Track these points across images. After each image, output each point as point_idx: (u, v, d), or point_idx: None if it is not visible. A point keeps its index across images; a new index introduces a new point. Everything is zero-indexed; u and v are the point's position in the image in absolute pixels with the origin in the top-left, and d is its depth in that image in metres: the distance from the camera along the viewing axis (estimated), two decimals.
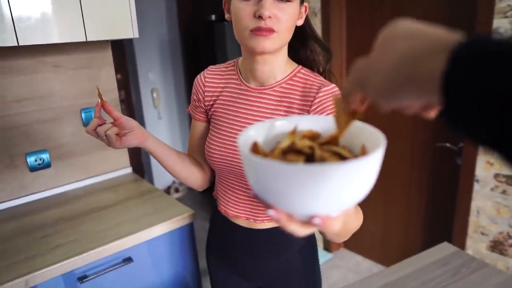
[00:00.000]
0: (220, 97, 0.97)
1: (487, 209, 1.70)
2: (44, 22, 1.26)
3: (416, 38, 0.34)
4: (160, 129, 3.77)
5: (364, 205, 2.32)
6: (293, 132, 0.48)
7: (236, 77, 0.96)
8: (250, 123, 0.88)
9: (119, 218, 1.36)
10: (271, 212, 0.42)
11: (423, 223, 2.13)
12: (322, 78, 0.90)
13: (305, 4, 0.88)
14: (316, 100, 0.84)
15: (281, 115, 0.88)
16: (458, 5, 1.74)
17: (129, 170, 1.84)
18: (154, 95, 3.59)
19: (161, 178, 3.80)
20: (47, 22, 1.27)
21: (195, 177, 1.07)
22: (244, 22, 0.79)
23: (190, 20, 3.53)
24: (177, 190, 3.71)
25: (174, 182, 3.85)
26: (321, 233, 0.64)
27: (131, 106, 3.52)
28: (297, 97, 0.87)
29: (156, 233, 1.31)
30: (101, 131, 0.86)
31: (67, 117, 1.64)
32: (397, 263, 1.20)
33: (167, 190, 3.74)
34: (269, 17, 0.76)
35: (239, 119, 0.93)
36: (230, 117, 0.94)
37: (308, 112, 0.84)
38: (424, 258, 1.23)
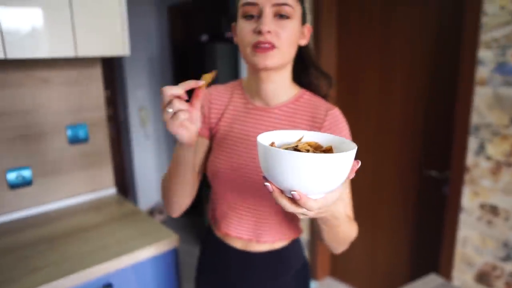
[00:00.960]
0: (225, 115, 0.97)
1: (473, 239, 1.70)
2: (34, 36, 1.24)
3: None
4: (147, 149, 3.72)
5: None
6: (300, 139, 0.67)
7: (242, 96, 0.97)
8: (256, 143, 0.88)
9: (101, 241, 1.31)
10: (268, 184, 0.58)
11: (410, 251, 2.12)
12: (325, 102, 0.95)
13: (307, 25, 0.91)
14: (326, 123, 0.90)
15: None
16: (445, 35, 1.79)
17: (113, 190, 1.79)
18: (142, 113, 3.56)
19: (145, 199, 3.73)
20: (37, 36, 1.25)
21: (187, 198, 0.96)
22: (246, 38, 0.83)
23: (181, 39, 3.55)
24: (161, 212, 3.63)
25: (158, 203, 3.78)
26: (321, 237, 0.84)
27: (118, 124, 3.48)
28: (304, 118, 0.91)
29: (139, 258, 1.26)
30: (177, 106, 0.68)
31: (53, 133, 1.60)
32: None
33: (151, 212, 3.66)
34: (269, 31, 0.80)
35: (246, 137, 0.93)
36: (237, 135, 0.94)
37: (319, 130, 0.89)
38: None
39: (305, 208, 0.58)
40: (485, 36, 1.54)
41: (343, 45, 2.24)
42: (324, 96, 0.99)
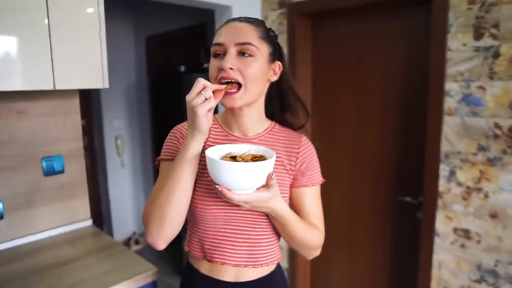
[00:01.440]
0: (205, 148, 0.96)
1: (448, 262, 1.74)
2: (11, 68, 1.24)
3: None
4: (123, 177, 3.66)
5: (329, 255, 2.33)
6: (245, 153, 0.88)
7: (220, 129, 1.02)
8: None
9: (77, 277, 1.28)
10: (217, 186, 0.79)
11: (388, 275, 2.15)
12: (292, 130, 1.06)
13: (278, 62, 0.97)
14: (301, 149, 1.01)
15: None
16: (414, 70, 1.89)
17: (89, 222, 1.75)
18: (119, 142, 3.53)
19: (121, 229, 3.64)
20: (14, 69, 1.24)
21: (181, 222, 0.90)
22: (213, 75, 0.91)
23: (158, 69, 3.58)
24: (137, 242, 3.54)
25: (134, 233, 3.69)
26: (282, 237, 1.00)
27: (94, 152, 3.42)
28: (282, 147, 1.00)
29: None
30: (209, 93, 0.79)
31: (27, 165, 1.57)
32: None
33: (127, 242, 3.57)
34: (231, 68, 0.87)
35: None
36: None
37: (296, 159, 1.00)
38: None
39: (226, 198, 0.79)
40: (451, 69, 1.64)
41: (318, 79, 2.32)
42: (301, 127, 1.07)
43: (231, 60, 0.87)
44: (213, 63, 0.91)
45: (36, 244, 1.54)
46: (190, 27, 3.09)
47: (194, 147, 0.84)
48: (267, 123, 1.03)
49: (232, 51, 0.88)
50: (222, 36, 0.90)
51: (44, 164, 1.60)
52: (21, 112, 1.55)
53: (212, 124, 1.02)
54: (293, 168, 0.99)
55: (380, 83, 2.03)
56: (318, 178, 1.03)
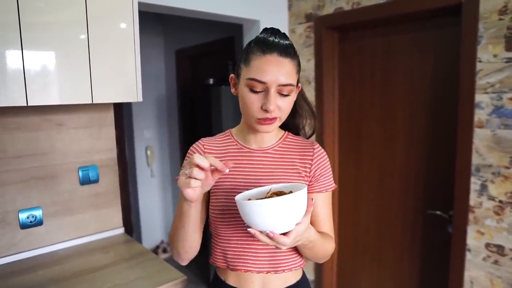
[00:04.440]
0: (222, 161, 1.01)
1: (480, 279, 1.69)
2: (54, 83, 1.31)
3: None
4: (152, 187, 3.76)
5: (356, 269, 2.31)
6: (269, 192, 0.89)
7: (235, 144, 1.07)
8: (262, 179, 1.00)
9: (110, 282, 1.32)
10: (250, 229, 0.79)
11: None
12: (305, 139, 1.11)
13: (299, 84, 1.03)
14: (315, 156, 1.04)
15: (285, 168, 1.03)
16: (442, 82, 1.87)
17: (121, 230, 1.81)
18: (148, 152, 3.63)
19: (150, 238, 3.72)
20: (57, 84, 1.32)
21: (195, 246, 1.02)
22: (253, 112, 0.93)
23: (188, 82, 3.68)
24: (165, 251, 3.61)
25: (162, 242, 3.76)
26: (304, 256, 1.03)
27: (125, 163, 3.53)
28: (295, 155, 1.04)
29: None
30: (194, 174, 0.78)
31: (65, 174, 1.65)
32: None
33: (155, 250, 3.64)
34: (273, 110, 0.91)
35: (250, 177, 1.01)
36: (241, 176, 1.01)
37: (311, 166, 1.03)
38: None
39: (279, 243, 0.78)
40: (481, 81, 1.61)
41: (345, 91, 2.32)
42: (309, 137, 1.13)
43: (275, 102, 0.91)
44: (253, 99, 0.92)
45: (72, 250, 1.61)
46: (219, 41, 3.17)
47: (187, 209, 0.87)
48: (280, 133, 1.08)
49: (274, 91, 0.91)
50: (264, 72, 0.90)
51: (80, 173, 1.68)
52: (60, 124, 1.63)
53: (226, 139, 1.08)
54: (308, 174, 1.02)
55: (408, 95, 2.02)
56: (331, 184, 1.05)
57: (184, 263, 1.05)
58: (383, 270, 2.24)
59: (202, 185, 0.82)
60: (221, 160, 1.02)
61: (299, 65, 0.97)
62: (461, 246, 1.73)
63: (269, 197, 0.84)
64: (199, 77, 3.57)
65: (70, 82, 1.34)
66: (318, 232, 1.02)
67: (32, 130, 1.56)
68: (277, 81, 0.90)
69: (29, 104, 1.26)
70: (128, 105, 3.55)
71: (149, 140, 3.68)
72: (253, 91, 0.92)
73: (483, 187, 1.64)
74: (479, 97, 1.63)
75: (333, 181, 1.06)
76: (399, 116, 2.07)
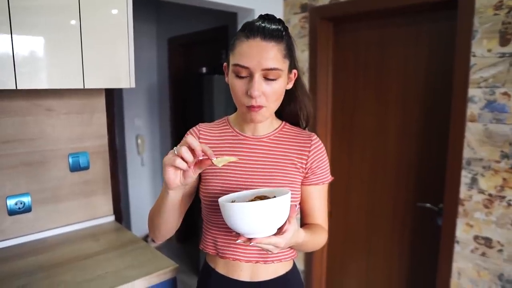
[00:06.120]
0: (217, 149, 1.03)
1: (468, 271, 1.72)
2: (45, 68, 1.29)
3: None
4: (142, 176, 3.73)
5: (346, 260, 2.33)
6: (255, 196, 0.90)
7: (230, 131, 1.06)
8: (256, 168, 0.99)
9: (100, 270, 1.31)
10: (239, 241, 0.80)
11: (406, 282, 2.13)
12: (302, 129, 1.09)
13: (294, 71, 0.99)
14: (312, 148, 1.03)
15: (280, 158, 1.01)
16: (436, 75, 1.87)
17: (111, 218, 1.80)
18: (139, 141, 3.59)
19: (139, 227, 3.70)
20: (47, 68, 1.29)
21: (173, 230, 1.02)
22: (239, 98, 0.93)
23: (180, 70, 3.64)
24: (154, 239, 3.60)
25: None
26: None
27: (115, 151, 3.50)
28: (291, 145, 1.03)
29: (138, 287, 1.26)
30: (182, 152, 0.75)
31: (54, 160, 1.62)
32: None
33: (145, 239, 3.62)
34: (258, 96, 0.90)
35: (244, 165, 1.00)
36: (233, 165, 1.00)
37: (307, 158, 1.01)
38: None
39: (272, 245, 0.78)
40: (475, 75, 1.62)
41: (339, 83, 2.32)
42: (305, 127, 1.12)
43: (259, 88, 0.89)
44: (238, 85, 0.91)
45: (61, 237, 1.59)
46: (212, 29, 3.13)
47: (170, 196, 0.86)
48: (277, 122, 1.07)
49: (258, 76, 0.89)
50: (246, 57, 0.88)
51: (70, 160, 1.66)
52: (49, 110, 1.60)
53: (223, 125, 1.07)
54: (304, 166, 1.01)
55: (402, 88, 2.02)
56: (328, 176, 1.05)
57: (158, 241, 1.04)
58: (373, 261, 2.26)
59: (184, 176, 0.80)
60: (217, 147, 1.02)
61: (289, 49, 0.94)
62: (450, 238, 1.75)
63: (252, 200, 0.85)
64: (192, 66, 3.54)
65: (61, 66, 1.32)
66: (311, 224, 1.02)
67: (21, 115, 1.53)
68: (260, 66, 0.88)
69: (18, 88, 1.23)
70: (118, 93, 3.50)
71: (139, 129, 3.64)
72: (238, 76, 0.91)
73: (474, 181, 1.66)
74: (472, 91, 1.64)
75: (329, 174, 1.06)
76: (392, 108, 2.07)
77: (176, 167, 0.77)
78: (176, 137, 3.63)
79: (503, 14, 1.53)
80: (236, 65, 0.90)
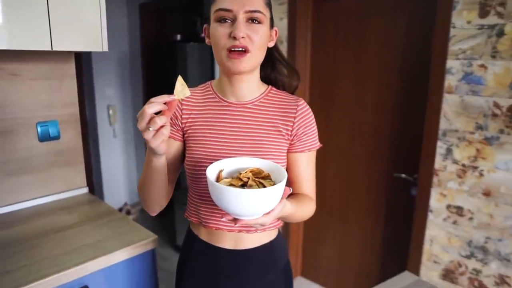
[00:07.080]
0: (200, 116, 0.99)
1: (439, 238, 1.79)
2: (4, 26, 1.18)
3: None
4: (114, 148, 3.62)
5: (322, 229, 2.36)
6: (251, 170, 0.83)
7: (214, 96, 1.01)
8: (238, 135, 0.96)
9: (76, 242, 1.27)
10: (223, 219, 0.79)
11: (379, 250, 2.20)
12: (290, 94, 1.04)
13: (275, 28, 0.99)
14: (298, 113, 0.99)
15: (264, 125, 0.98)
16: (414, 48, 1.88)
17: (85, 190, 1.73)
18: (110, 111, 3.46)
19: (113, 199, 3.62)
20: (7, 26, 1.18)
21: (165, 198, 1.02)
22: (221, 42, 0.88)
23: (153, 38, 3.49)
24: (128, 212, 3.54)
25: (126, 203, 3.68)
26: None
27: (85, 122, 3.36)
28: (276, 111, 0.99)
29: (116, 259, 1.23)
30: (159, 123, 0.73)
31: (22, 130, 1.53)
32: None
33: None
34: (243, 37, 0.86)
35: (226, 132, 0.97)
36: (218, 130, 0.97)
37: (293, 123, 0.98)
38: (387, 287, 1.26)
39: (259, 224, 0.77)
40: (453, 47, 1.63)
41: (317, 52, 2.29)
42: (293, 92, 1.08)
43: (244, 29, 0.86)
44: (220, 30, 0.88)
45: (32, 210, 1.52)
46: None
47: (159, 162, 0.85)
48: (263, 87, 1.03)
49: (242, 18, 0.87)
50: (229, 1, 0.87)
51: (39, 129, 1.56)
52: (14, 74, 1.49)
53: (206, 91, 1.03)
54: (289, 133, 0.98)
55: (380, 59, 2.02)
56: (315, 143, 1.02)
57: (152, 213, 1.03)
58: (348, 229, 2.32)
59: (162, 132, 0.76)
60: (199, 113, 0.98)
61: (269, 2, 0.95)
62: (424, 207, 1.81)
63: (245, 175, 0.80)
64: (165, 34, 3.39)
65: (24, 26, 1.21)
66: (298, 194, 1.00)
67: None
68: (243, 6, 0.86)
69: None
70: (87, 62, 3.32)
71: (111, 99, 3.50)
72: (221, 21, 0.88)
73: (448, 151, 1.70)
74: (450, 63, 1.66)
75: (317, 140, 1.03)
76: (370, 78, 2.07)
77: (155, 129, 0.74)
78: None
79: None
80: (219, 10, 0.88)
